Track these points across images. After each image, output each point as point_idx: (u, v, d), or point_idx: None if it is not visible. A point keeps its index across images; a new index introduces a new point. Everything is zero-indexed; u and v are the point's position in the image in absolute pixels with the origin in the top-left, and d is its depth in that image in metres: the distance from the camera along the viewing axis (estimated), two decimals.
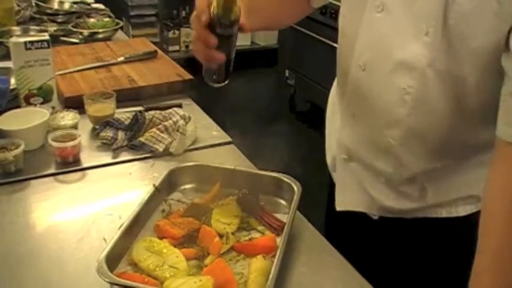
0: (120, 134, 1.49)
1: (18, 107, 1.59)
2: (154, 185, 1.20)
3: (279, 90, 4.58)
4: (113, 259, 1.01)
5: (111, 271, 0.97)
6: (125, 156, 1.46)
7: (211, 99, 2.06)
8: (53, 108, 1.63)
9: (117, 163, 1.42)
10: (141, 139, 1.48)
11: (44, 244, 1.13)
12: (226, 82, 1.20)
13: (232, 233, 1.13)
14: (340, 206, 1.30)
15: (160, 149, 1.45)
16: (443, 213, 1.17)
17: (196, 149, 1.50)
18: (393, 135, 1.09)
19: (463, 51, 0.95)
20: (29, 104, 1.61)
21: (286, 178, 1.24)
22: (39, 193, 1.30)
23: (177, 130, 1.47)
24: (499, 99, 0.93)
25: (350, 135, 1.22)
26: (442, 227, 1.19)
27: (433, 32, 0.95)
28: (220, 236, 1.11)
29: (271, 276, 0.97)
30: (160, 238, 1.10)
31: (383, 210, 1.23)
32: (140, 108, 1.66)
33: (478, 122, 1.05)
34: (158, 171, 1.35)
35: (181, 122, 1.49)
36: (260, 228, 1.17)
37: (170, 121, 1.51)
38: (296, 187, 1.21)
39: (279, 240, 1.09)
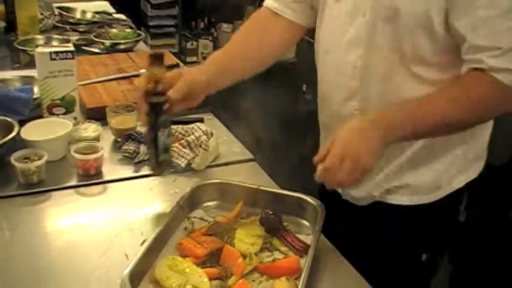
0: (142, 148, 1.47)
1: (41, 116, 1.58)
2: (178, 202, 1.18)
3: (296, 105, 4.54)
4: (135, 277, 0.99)
5: None
6: (146, 170, 1.43)
7: (231, 113, 2.05)
8: (75, 119, 1.62)
9: (138, 177, 1.40)
10: None
11: (64, 258, 1.12)
12: (163, 173, 1.29)
13: (255, 254, 1.11)
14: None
15: (183, 165, 1.43)
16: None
17: (218, 165, 1.48)
18: (353, 106, 1.25)
19: (397, 24, 1.13)
20: (51, 114, 1.60)
21: (309, 199, 1.22)
22: (61, 205, 1.29)
23: (200, 146, 1.46)
24: (434, 60, 1.14)
25: (325, 115, 1.38)
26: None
27: (369, 12, 1.16)
28: (244, 256, 1.09)
29: None
30: (183, 257, 1.08)
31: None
32: None
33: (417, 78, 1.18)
34: (180, 187, 1.33)
35: (204, 137, 1.47)
36: (283, 249, 1.15)
37: (192, 136, 1.49)
38: (320, 208, 1.19)
39: (303, 262, 1.08)
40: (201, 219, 1.22)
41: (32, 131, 1.44)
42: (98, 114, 1.60)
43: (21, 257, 1.12)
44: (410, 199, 1.29)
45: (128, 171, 1.44)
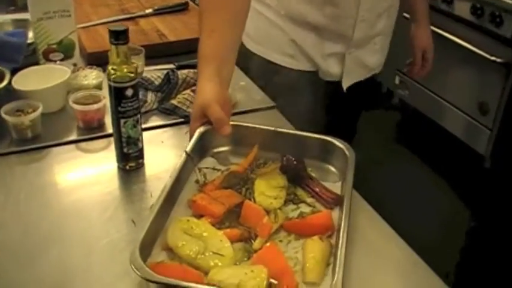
0: (150, 96, 1.30)
1: (37, 63, 1.42)
2: (185, 152, 1.02)
3: None
4: (146, 245, 0.85)
5: (145, 260, 0.81)
6: (155, 121, 1.27)
7: None
8: (75, 65, 1.45)
9: (146, 129, 1.22)
10: (174, 102, 1.30)
11: (64, 224, 0.97)
12: (127, 167, 1.11)
13: (279, 208, 0.97)
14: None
15: None
16: None
17: (235, 113, 1.28)
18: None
19: None
20: (48, 60, 1.44)
21: (337, 141, 1.07)
22: (60, 163, 1.13)
23: None
24: None
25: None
26: None
27: None
28: (266, 211, 0.95)
29: (338, 263, 0.81)
30: (198, 217, 0.93)
31: None
32: (171, 66, 1.46)
33: None
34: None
35: None
36: (309, 200, 1.00)
37: None
38: (349, 152, 1.04)
39: (335, 217, 0.94)
40: (214, 169, 1.07)
41: (25, 80, 1.26)
42: (99, 60, 1.41)
43: (15, 222, 0.97)
44: None
45: None
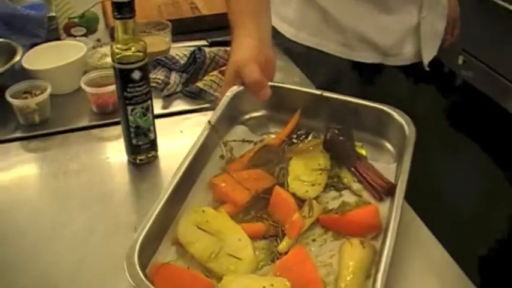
0: (174, 77, 1.15)
1: (58, 39, 1.30)
2: (209, 122, 0.88)
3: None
4: (152, 238, 0.71)
5: (150, 257, 0.70)
6: (177, 105, 1.11)
7: None
8: (98, 41, 1.32)
9: (166, 115, 1.08)
10: (199, 84, 1.14)
11: (64, 220, 0.84)
12: (137, 160, 0.96)
13: (317, 197, 0.80)
14: None
15: None
16: None
17: None
18: None
19: None
20: (69, 35, 1.32)
21: (395, 113, 0.89)
22: (67, 151, 0.99)
23: None
24: None
25: None
26: None
27: None
28: (301, 200, 0.79)
29: (379, 276, 0.64)
30: (218, 203, 0.79)
31: None
32: (203, 42, 1.31)
33: None
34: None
35: None
36: (356, 187, 0.84)
37: None
38: (409, 129, 0.85)
39: (382, 211, 0.77)
40: (244, 141, 0.92)
41: (37, 58, 1.14)
42: None
43: (23, 215, 0.85)
44: None
45: (156, 106, 1.13)
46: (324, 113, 0.92)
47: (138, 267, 0.65)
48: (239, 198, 0.78)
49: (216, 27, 1.43)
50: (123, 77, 0.87)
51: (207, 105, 1.11)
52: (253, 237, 0.73)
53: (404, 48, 1.20)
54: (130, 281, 0.63)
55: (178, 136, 1.04)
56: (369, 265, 0.70)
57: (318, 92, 0.92)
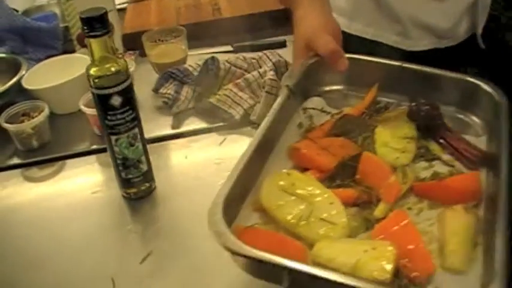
0: (186, 91, 1.03)
1: (74, 51, 1.23)
2: (287, 86, 0.80)
3: None
4: (232, 203, 0.63)
5: (230, 223, 0.61)
6: (188, 124, 1.00)
7: None
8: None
9: (174, 136, 0.97)
10: (212, 99, 1.01)
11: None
12: (131, 196, 0.86)
13: (408, 165, 0.72)
14: None
15: (237, 116, 0.98)
16: None
17: None
18: None
19: None
20: (83, 46, 1.22)
21: (484, 84, 0.81)
22: (63, 180, 0.90)
23: (263, 87, 1.00)
24: None
25: None
26: None
27: None
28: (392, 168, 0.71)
29: (498, 245, 0.56)
30: (301, 170, 0.71)
31: None
32: (227, 48, 1.21)
33: None
34: (229, 152, 0.91)
35: (270, 74, 1.01)
36: (446, 158, 0.75)
37: (255, 72, 1.03)
38: (500, 99, 0.77)
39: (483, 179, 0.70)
40: (322, 111, 0.83)
41: (39, 76, 1.07)
42: (137, 43, 1.17)
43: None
44: None
45: (165, 124, 1.01)
46: (404, 85, 0.85)
47: (224, 223, 0.59)
48: (325, 163, 0.71)
49: (241, 30, 1.30)
50: (102, 103, 0.76)
51: (220, 124, 1.00)
52: (344, 204, 0.67)
53: (460, 27, 1.12)
54: (218, 240, 0.57)
55: (180, 162, 0.94)
56: (475, 233, 0.63)
57: (398, 63, 0.86)
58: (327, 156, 0.71)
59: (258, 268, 0.59)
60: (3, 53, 1.18)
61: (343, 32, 1.03)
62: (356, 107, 0.84)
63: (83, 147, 0.97)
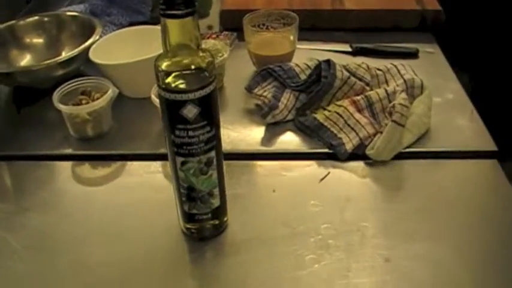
0: (287, 98, 0.84)
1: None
2: None
3: None
4: None
5: None
6: (284, 141, 0.81)
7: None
8: (209, 28, 1.11)
9: (263, 156, 0.78)
10: (318, 116, 0.82)
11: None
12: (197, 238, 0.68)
13: None
14: None
15: (349, 145, 0.78)
16: None
17: (418, 154, 0.77)
18: None
19: None
20: None
21: None
22: (127, 195, 0.72)
23: (390, 113, 0.78)
24: None
25: None
26: None
27: None
28: None
29: None
30: None
31: None
32: (345, 47, 1.03)
33: None
34: (329, 196, 0.71)
35: (402, 96, 0.79)
36: None
37: (382, 90, 0.82)
38: None
39: None
40: None
41: (112, 47, 0.90)
42: (237, 23, 0.99)
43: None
44: None
45: (255, 135, 0.82)
46: None
47: None
48: None
49: (365, 28, 1.13)
50: (170, 111, 0.57)
51: (324, 150, 0.79)
52: None
53: None
54: None
55: (265, 196, 0.73)
56: None
57: None
58: None
59: None
60: (79, 12, 1.02)
61: None
62: None
63: (148, 147, 0.79)
